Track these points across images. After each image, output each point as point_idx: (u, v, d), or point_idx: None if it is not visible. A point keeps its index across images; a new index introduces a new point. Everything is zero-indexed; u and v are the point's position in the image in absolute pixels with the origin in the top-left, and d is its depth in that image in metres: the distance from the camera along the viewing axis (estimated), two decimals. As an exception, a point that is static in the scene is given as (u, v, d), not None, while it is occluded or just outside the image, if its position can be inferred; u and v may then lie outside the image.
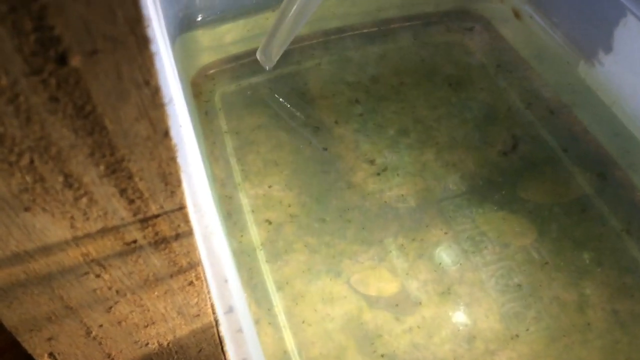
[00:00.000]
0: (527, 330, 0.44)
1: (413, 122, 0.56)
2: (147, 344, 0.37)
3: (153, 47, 0.20)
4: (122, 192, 0.25)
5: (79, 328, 0.33)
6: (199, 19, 0.55)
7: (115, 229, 0.27)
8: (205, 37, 0.56)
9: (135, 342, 0.37)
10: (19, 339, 0.32)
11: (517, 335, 0.44)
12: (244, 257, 0.46)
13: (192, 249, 0.31)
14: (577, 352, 0.43)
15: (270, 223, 0.48)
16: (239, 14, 0.57)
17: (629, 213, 0.50)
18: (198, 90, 0.55)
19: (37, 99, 0.19)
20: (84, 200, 0.25)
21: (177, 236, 0.30)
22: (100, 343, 0.35)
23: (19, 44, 0.17)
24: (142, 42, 0.19)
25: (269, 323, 0.43)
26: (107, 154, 0.23)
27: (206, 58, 0.57)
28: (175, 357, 0.41)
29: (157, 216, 0.28)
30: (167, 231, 0.29)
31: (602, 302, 0.45)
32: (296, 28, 0.48)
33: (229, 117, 0.54)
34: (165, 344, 0.38)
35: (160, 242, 0.29)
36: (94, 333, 0.34)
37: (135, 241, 0.28)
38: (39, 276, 0.28)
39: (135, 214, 0.27)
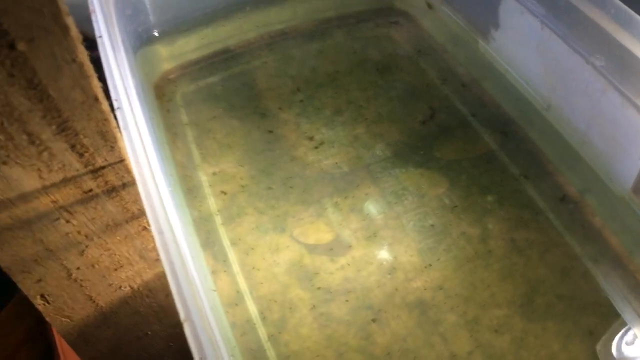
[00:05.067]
0: (438, 260, 0.53)
1: (346, 103, 0.65)
2: (120, 287, 0.47)
3: (73, 33, 0.29)
4: (73, 147, 0.35)
5: (61, 270, 0.42)
6: (156, 33, 0.65)
7: (73, 179, 0.36)
8: (164, 48, 0.67)
9: (110, 285, 0.46)
10: (15, 280, 0.42)
11: (430, 265, 0.52)
12: (203, 223, 0.55)
13: (138, 197, 0.40)
14: (479, 274, 0.52)
15: (225, 194, 0.57)
16: (192, 26, 0.67)
17: (527, 162, 0.59)
18: (161, 92, 0.65)
19: None
20: (45, 154, 0.34)
21: (124, 185, 0.39)
22: (81, 285, 0.44)
23: (-20, 37, 0.27)
24: (65, 29, 0.28)
25: (224, 271, 0.52)
26: (56, 116, 0.32)
27: (167, 65, 0.67)
28: (147, 301, 0.50)
29: (103, 167, 0.37)
30: (115, 181, 0.38)
31: (502, 234, 0.54)
32: None
33: (188, 111, 0.64)
34: (135, 287, 0.47)
35: (111, 191, 0.39)
36: (74, 275, 0.43)
37: (91, 190, 0.38)
38: (21, 221, 0.37)
39: (86, 166, 0.36)
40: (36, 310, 0.74)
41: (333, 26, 0.73)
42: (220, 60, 0.69)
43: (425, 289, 0.51)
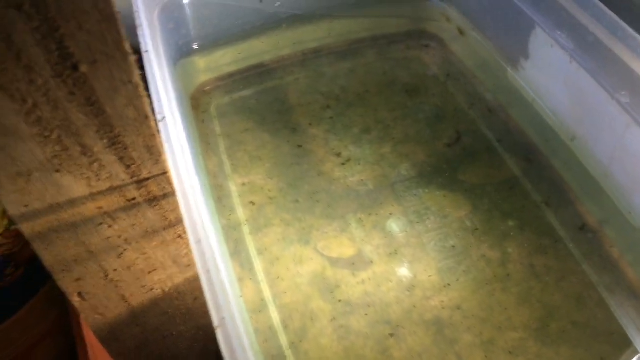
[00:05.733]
0: (457, 280, 0.54)
1: (374, 122, 0.67)
2: (152, 288, 0.49)
3: (131, 58, 0.32)
4: (121, 159, 0.37)
5: (99, 271, 0.45)
6: (196, 47, 0.68)
7: (119, 188, 0.39)
8: (202, 61, 0.69)
9: (143, 287, 0.48)
10: (55, 278, 0.44)
11: (449, 285, 0.54)
12: (231, 231, 0.58)
13: (177, 207, 0.43)
14: (497, 297, 0.53)
15: (253, 204, 0.60)
16: (229, 41, 0.70)
17: (549, 190, 0.60)
18: (197, 103, 0.67)
19: (60, 93, 0.31)
20: (96, 165, 0.37)
21: (164, 195, 0.41)
22: (116, 286, 0.47)
23: (48, 58, 0.29)
24: (124, 54, 0.31)
25: (250, 279, 0.54)
26: (108, 131, 0.35)
27: (203, 77, 0.69)
28: (176, 303, 0.52)
29: (147, 179, 0.39)
30: (157, 191, 0.41)
31: (522, 259, 0.56)
32: None
33: (222, 123, 0.66)
34: (166, 289, 0.50)
35: (152, 200, 0.41)
36: (110, 276, 0.46)
37: (134, 198, 0.40)
38: (68, 224, 0.40)
39: (132, 177, 0.39)
40: (60, 305, 0.77)
41: (365, 46, 0.75)
42: (255, 74, 0.71)
43: (443, 308, 0.53)
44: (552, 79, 0.59)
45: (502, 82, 0.67)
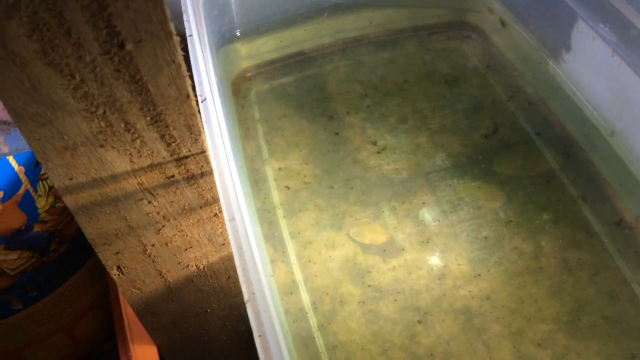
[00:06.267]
0: (489, 271, 0.54)
1: (412, 112, 0.68)
2: (188, 265, 0.51)
3: (175, 38, 0.33)
4: (162, 137, 0.38)
5: (138, 245, 0.46)
6: (238, 33, 0.69)
7: (159, 165, 0.40)
8: (244, 47, 0.71)
9: (179, 263, 0.50)
10: (96, 251, 0.46)
11: (479, 275, 0.54)
12: (266, 214, 0.59)
13: (213, 186, 0.44)
14: (528, 289, 0.53)
15: (288, 189, 0.61)
16: (271, 29, 0.71)
17: (586, 184, 0.60)
18: (237, 89, 0.69)
19: (107, 70, 0.33)
20: (138, 141, 0.38)
21: (202, 174, 0.43)
22: (153, 261, 0.49)
23: (96, 36, 0.30)
24: (168, 34, 0.32)
25: (282, 261, 0.56)
26: (151, 109, 0.36)
27: (245, 63, 0.71)
28: (210, 281, 0.53)
29: (187, 157, 0.41)
30: (195, 169, 0.42)
31: (555, 252, 0.55)
32: None
33: (261, 109, 0.68)
34: (201, 267, 0.51)
35: (190, 178, 0.43)
36: (148, 251, 0.47)
37: (173, 176, 0.42)
38: (110, 199, 0.41)
39: (172, 154, 0.40)
40: (100, 282, 0.80)
41: (405, 37, 0.75)
42: (295, 62, 0.72)
43: (472, 298, 0.53)
44: (593, 72, 0.59)
45: (543, 75, 0.67)
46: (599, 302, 0.52)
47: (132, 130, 0.37)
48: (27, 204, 0.62)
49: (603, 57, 0.56)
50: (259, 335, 0.33)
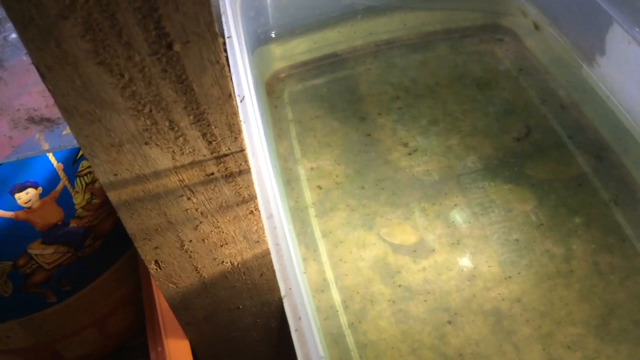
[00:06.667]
0: (519, 274, 0.55)
1: (443, 114, 0.68)
2: (223, 262, 0.52)
3: (220, 39, 0.34)
4: (204, 135, 0.40)
5: (176, 241, 0.48)
6: (273, 35, 0.70)
7: (199, 163, 0.42)
8: (278, 49, 0.72)
9: (214, 259, 0.51)
10: (136, 245, 0.47)
11: (510, 277, 0.55)
12: (298, 213, 0.60)
13: (250, 184, 0.45)
14: (559, 292, 0.54)
15: (320, 188, 0.62)
16: (305, 31, 0.72)
17: (618, 188, 0.60)
18: (271, 89, 0.70)
19: (155, 70, 0.34)
20: (181, 139, 0.39)
21: (240, 172, 0.44)
22: (190, 256, 0.50)
23: (146, 37, 0.31)
24: (214, 35, 0.33)
25: (314, 260, 0.57)
26: (195, 108, 0.37)
27: (279, 64, 0.72)
28: (244, 278, 0.55)
29: (226, 155, 0.42)
30: (233, 167, 0.43)
31: (586, 256, 0.55)
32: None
33: (294, 109, 0.69)
34: (235, 264, 0.52)
35: (229, 176, 0.44)
36: (185, 247, 0.49)
37: (212, 173, 0.43)
38: (152, 195, 0.43)
39: (212, 152, 0.41)
40: (132, 278, 0.82)
41: (438, 39, 0.76)
42: (328, 63, 0.73)
43: (502, 299, 0.53)
44: (627, 76, 0.59)
45: (576, 79, 0.67)
46: (629, 306, 0.52)
47: (176, 129, 0.38)
48: (64, 200, 0.64)
49: (638, 61, 0.56)
50: (296, 330, 0.34)
